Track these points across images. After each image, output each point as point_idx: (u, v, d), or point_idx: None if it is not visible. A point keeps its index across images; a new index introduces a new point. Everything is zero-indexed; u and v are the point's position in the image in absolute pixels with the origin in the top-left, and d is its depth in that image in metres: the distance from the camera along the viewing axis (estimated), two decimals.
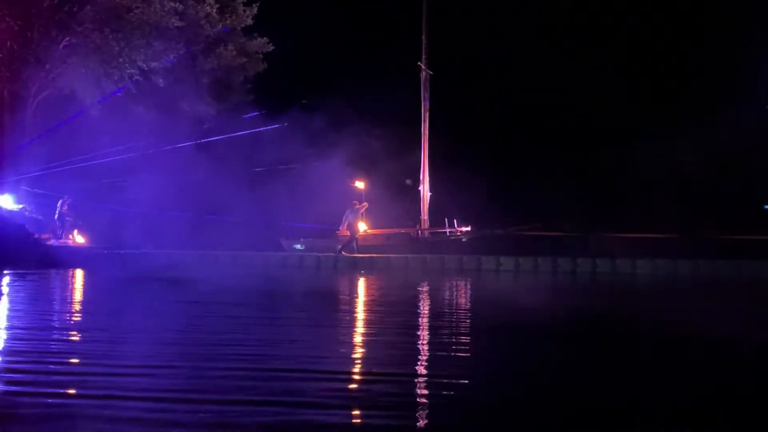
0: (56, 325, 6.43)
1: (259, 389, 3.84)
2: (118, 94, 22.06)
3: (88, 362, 4.56)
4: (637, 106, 25.96)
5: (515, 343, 5.80)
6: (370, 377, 4.25)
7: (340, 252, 18.67)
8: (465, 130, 27.29)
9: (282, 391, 3.81)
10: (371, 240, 20.70)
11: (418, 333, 6.32)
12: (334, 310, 8.35)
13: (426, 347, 5.46)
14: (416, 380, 4.16)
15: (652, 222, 19.94)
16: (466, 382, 4.16)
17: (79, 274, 13.87)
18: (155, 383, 3.94)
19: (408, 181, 24.85)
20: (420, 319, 7.42)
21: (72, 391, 3.76)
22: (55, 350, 5.08)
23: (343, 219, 19.80)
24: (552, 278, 15.23)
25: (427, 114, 24.04)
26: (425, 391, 3.86)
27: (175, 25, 22.19)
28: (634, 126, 25.61)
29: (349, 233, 19.51)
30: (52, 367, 4.34)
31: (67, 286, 11.54)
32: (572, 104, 26.12)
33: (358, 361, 4.80)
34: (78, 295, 10.21)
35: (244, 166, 23.18)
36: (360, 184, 21.70)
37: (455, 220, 21.97)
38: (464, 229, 21.84)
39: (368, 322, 7.14)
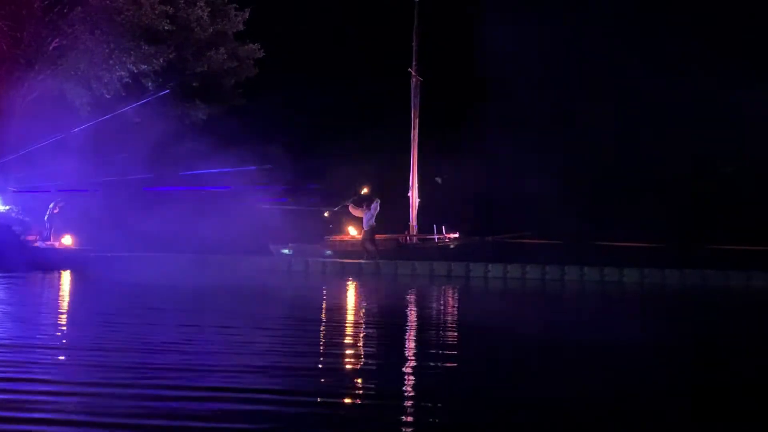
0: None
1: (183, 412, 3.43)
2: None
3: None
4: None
5: (503, 355, 5.74)
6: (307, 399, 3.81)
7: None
8: (456, 134, 27.27)
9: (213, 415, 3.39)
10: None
11: (397, 345, 6.08)
12: (308, 319, 7.89)
13: (406, 362, 5.27)
14: (389, 401, 3.88)
15: (646, 229, 19.98)
16: (448, 399, 4.12)
17: (58, 279, 13.65)
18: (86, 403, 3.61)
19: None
20: (402, 331, 7.15)
21: None
22: None
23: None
24: (540, 286, 15.28)
25: (417, 120, 24.03)
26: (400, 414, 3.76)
27: (166, 28, 22.13)
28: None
29: (360, 237, 19.41)
30: None
31: (40, 292, 11.19)
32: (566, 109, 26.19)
33: (309, 380, 4.35)
34: (43, 301, 9.90)
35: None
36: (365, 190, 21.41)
37: (443, 227, 21.93)
38: (453, 235, 21.80)
39: (340, 333, 6.77)
